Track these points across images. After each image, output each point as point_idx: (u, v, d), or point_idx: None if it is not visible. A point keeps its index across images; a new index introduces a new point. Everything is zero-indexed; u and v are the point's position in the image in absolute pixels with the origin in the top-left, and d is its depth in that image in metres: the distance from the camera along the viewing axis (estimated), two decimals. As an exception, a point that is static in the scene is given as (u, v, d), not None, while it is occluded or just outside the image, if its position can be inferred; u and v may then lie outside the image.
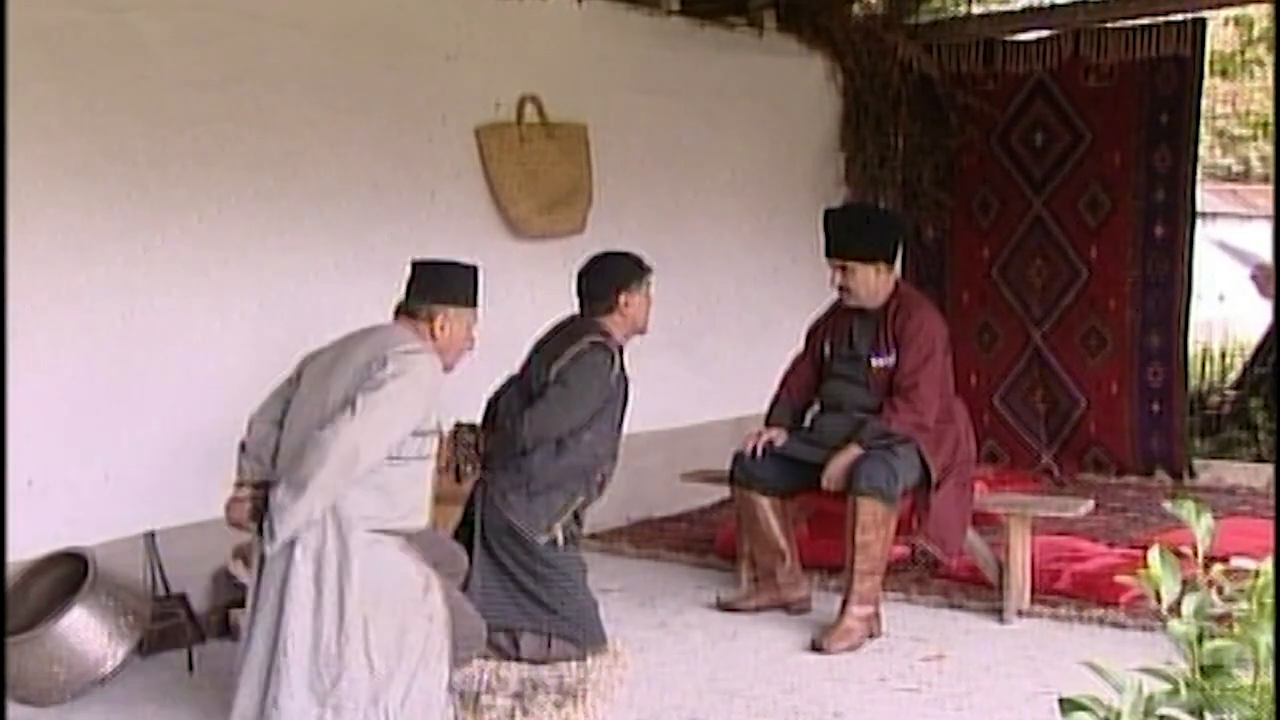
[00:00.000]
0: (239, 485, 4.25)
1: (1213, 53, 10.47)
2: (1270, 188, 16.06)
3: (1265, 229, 15.95)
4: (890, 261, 5.48)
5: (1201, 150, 9.01)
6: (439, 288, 4.34)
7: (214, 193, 5.51)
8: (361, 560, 3.99)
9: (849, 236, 5.44)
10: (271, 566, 4.05)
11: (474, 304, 4.42)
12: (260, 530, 4.03)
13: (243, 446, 4.31)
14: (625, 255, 5.18)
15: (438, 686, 4.09)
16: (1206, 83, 8.45)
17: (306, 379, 4.27)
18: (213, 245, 5.52)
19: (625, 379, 5.05)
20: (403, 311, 4.34)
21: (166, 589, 5.24)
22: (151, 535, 5.27)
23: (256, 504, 4.12)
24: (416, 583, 4.09)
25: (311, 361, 4.33)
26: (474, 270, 4.45)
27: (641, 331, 5.21)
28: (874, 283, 5.40)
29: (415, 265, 4.44)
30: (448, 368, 4.31)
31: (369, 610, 3.98)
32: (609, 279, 5.09)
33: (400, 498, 4.10)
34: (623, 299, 5.07)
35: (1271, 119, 13.72)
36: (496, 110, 6.70)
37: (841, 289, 5.46)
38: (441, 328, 4.28)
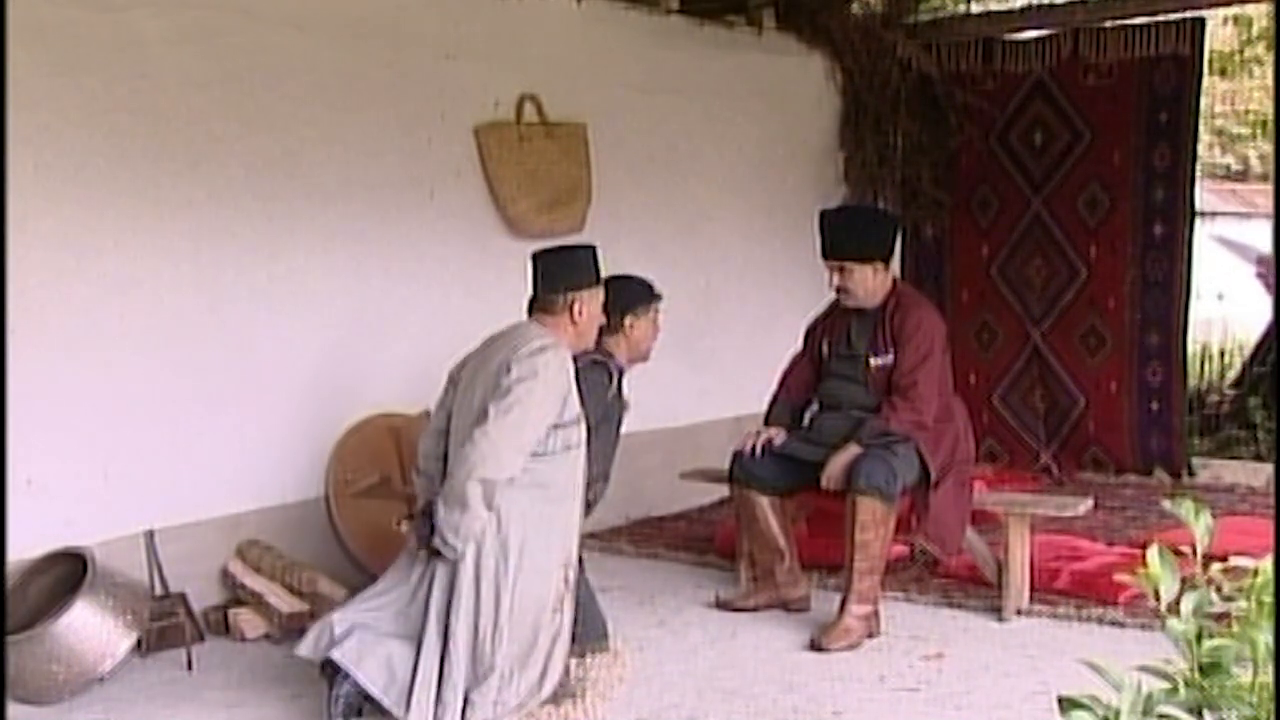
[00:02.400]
0: (408, 516, 4.47)
1: (1212, 51, 10.45)
2: (1270, 186, 16.06)
3: (1264, 227, 15.95)
4: (886, 261, 5.47)
5: (1200, 149, 8.99)
6: (569, 274, 4.53)
7: (212, 191, 5.51)
8: (515, 564, 4.20)
9: (844, 237, 5.44)
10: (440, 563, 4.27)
11: (600, 282, 4.61)
12: (432, 551, 4.22)
13: (416, 468, 4.55)
14: (636, 280, 5.21)
15: (535, 701, 4.28)
16: (1205, 81, 8.44)
17: (460, 387, 4.47)
18: (210, 244, 5.52)
19: (623, 401, 5.08)
20: (537, 305, 4.52)
21: (166, 588, 5.24)
22: (151, 534, 5.26)
23: (421, 532, 4.27)
24: (551, 601, 4.28)
25: (460, 369, 4.54)
26: (593, 250, 4.66)
27: (644, 358, 5.21)
28: (871, 282, 5.40)
29: (537, 257, 4.60)
30: (586, 345, 4.63)
31: (515, 616, 4.20)
32: (617, 301, 5.05)
33: (554, 488, 4.30)
34: (628, 322, 5.11)
35: (1271, 118, 13.70)
36: (495, 109, 6.70)
37: (839, 289, 5.47)
38: (580, 312, 4.50)
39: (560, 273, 4.52)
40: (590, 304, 4.54)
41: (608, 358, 5.03)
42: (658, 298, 5.24)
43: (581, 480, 4.44)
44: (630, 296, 5.11)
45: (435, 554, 4.21)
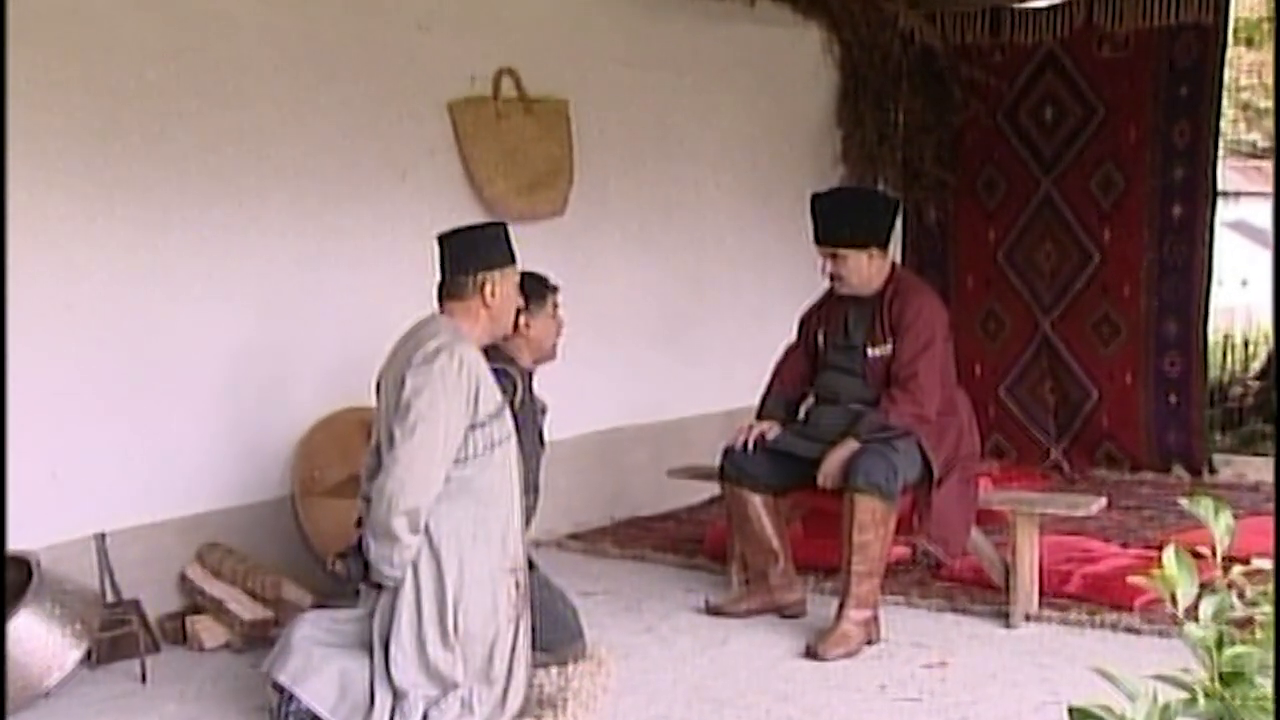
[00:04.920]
0: (340, 555, 4.41)
1: (1237, 20, 10.40)
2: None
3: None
4: (883, 246, 5.45)
5: (1224, 125, 8.96)
6: (477, 253, 4.44)
7: (168, 170, 5.47)
8: (455, 580, 4.16)
9: (838, 221, 5.42)
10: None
11: (514, 260, 4.53)
12: (373, 585, 4.24)
13: (361, 493, 4.48)
14: (526, 274, 4.89)
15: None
16: (1230, 52, 8.41)
17: (380, 400, 4.42)
18: (166, 227, 5.48)
19: (536, 404, 5.05)
20: (446, 291, 4.44)
21: (118, 595, 5.21)
22: (102, 537, 5.23)
23: (354, 570, 4.28)
24: (502, 612, 4.25)
25: (380, 378, 4.47)
26: (504, 226, 4.58)
27: (550, 356, 5.13)
28: (866, 269, 5.38)
29: (443, 239, 4.51)
30: (504, 331, 4.56)
31: (465, 633, 4.17)
32: None
33: (485, 492, 4.24)
34: (523, 320, 4.95)
35: (1272, 98, 13.69)
36: (471, 84, 6.67)
37: (833, 277, 5.46)
38: (492, 294, 4.40)
39: (467, 253, 4.42)
40: (503, 284, 4.43)
41: (508, 363, 4.94)
42: (553, 290, 5.15)
43: (517, 477, 4.40)
44: (521, 294, 4.81)
45: (376, 586, 4.22)
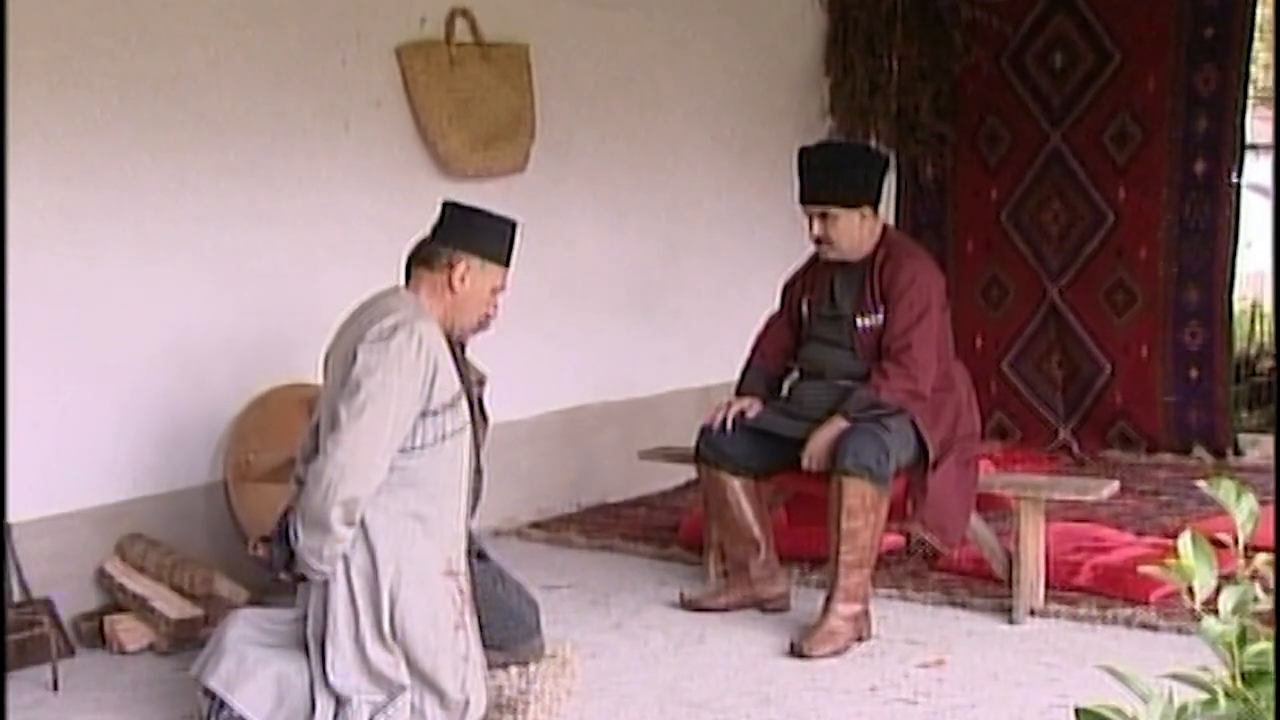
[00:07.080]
0: (264, 539, 4.40)
1: (1272, -50, 10.41)
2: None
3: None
4: (875, 205, 5.45)
5: (1254, 70, 8.93)
6: (467, 233, 4.44)
7: (78, 120, 5.41)
8: (392, 579, 4.13)
9: (826, 178, 5.41)
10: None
11: (505, 263, 4.52)
12: (296, 576, 4.23)
13: (294, 475, 4.46)
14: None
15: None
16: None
17: (327, 377, 4.41)
18: (78, 184, 5.43)
19: (470, 375, 5.01)
20: (418, 257, 4.44)
21: (27, 593, 5.19)
22: (8, 529, 5.16)
23: (277, 559, 4.25)
24: (444, 616, 4.23)
25: (330, 351, 4.46)
26: (513, 225, 4.55)
27: (483, 326, 5.13)
28: (857, 231, 5.37)
29: (446, 206, 4.53)
30: (461, 330, 4.52)
31: (406, 636, 4.16)
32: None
33: (430, 487, 4.21)
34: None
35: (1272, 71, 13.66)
36: (422, 27, 6.65)
37: (819, 240, 5.45)
38: (461, 279, 4.39)
39: (457, 228, 4.45)
40: (477, 277, 4.41)
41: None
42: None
43: (466, 471, 4.40)
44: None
45: (301, 579, 4.21)
